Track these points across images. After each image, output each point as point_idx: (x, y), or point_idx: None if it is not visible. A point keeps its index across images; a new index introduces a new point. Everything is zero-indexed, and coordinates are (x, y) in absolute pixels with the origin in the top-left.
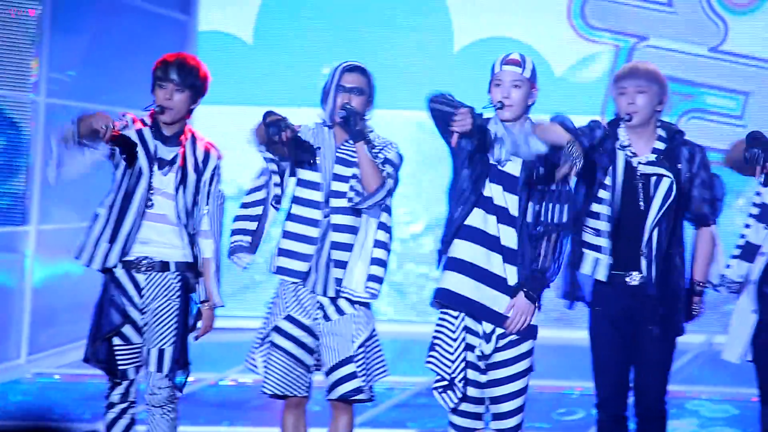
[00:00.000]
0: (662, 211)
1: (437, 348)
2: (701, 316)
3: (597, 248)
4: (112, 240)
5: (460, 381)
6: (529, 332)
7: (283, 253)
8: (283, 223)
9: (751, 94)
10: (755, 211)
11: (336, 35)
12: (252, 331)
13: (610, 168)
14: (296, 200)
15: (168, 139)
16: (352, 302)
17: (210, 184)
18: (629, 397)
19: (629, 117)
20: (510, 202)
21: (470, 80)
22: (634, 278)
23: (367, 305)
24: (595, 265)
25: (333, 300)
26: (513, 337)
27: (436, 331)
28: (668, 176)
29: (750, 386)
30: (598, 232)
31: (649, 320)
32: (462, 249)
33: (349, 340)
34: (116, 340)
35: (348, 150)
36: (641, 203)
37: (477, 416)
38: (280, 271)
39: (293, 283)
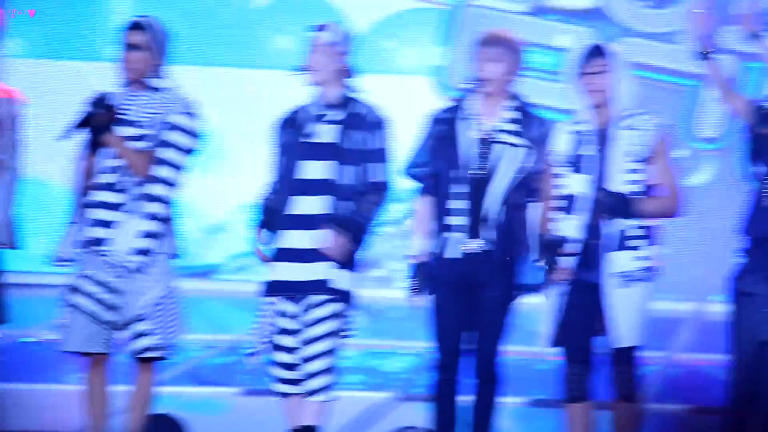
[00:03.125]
0: (510, 179)
1: (258, 318)
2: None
3: (457, 228)
4: None
5: (276, 346)
6: (340, 296)
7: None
8: None
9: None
10: (559, 203)
11: None
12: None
13: (461, 146)
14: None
15: None
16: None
17: None
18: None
19: (480, 83)
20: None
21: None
22: (473, 246)
23: (164, 262)
24: (451, 245)
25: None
26: (320, 298)
27: (261, 303)
28: (520, 144)
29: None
30: (457, 212)
31: (486, 285)
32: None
33: (141, 296)
34: None
35: (141, 114)
36: (484, 171)
37: (294, 382)
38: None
39: None
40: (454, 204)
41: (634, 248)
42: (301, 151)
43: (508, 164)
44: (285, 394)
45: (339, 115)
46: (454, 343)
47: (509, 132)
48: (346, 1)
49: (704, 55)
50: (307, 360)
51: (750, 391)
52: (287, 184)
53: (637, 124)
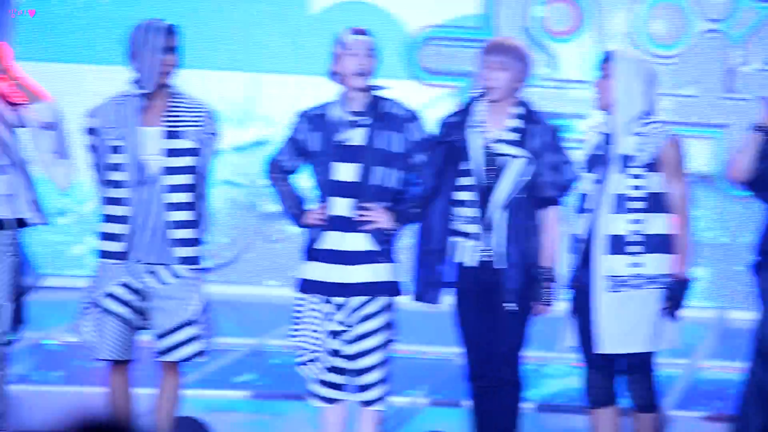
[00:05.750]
0: (511, 189)
1: (299, 323)
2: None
3: (466, 234)
4: None
5: (325, 352)
6: (389, 294)
7: (101, 236)
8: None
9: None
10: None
11: None
12: (74, 291)
13: (469, 154)
14: (109, 184)
15: None
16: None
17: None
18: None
19: (486, 91)
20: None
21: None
22: (484, 254)
23: (200, 268)
24: (464, 252)
25: (165, 262)
26: (370, 309)
27: (296, 306)
28: (520, 156)
29: None
30: (468, 220)
31: (502, 295)
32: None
33: (186, 303)
34: None
35: (173, 119)
36: (489, 180)
37: (339, 387)
38: (102, 255)
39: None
40: (462, 211)
41: (629, 254)
42: (335, 153)
43: (510, 174)
44: (329, 399)
45: (367, 118)
46: (483, 351)
47: (511, 142)
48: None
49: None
50: (362, 370)
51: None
52: (324, 186)
53: (644, 130)
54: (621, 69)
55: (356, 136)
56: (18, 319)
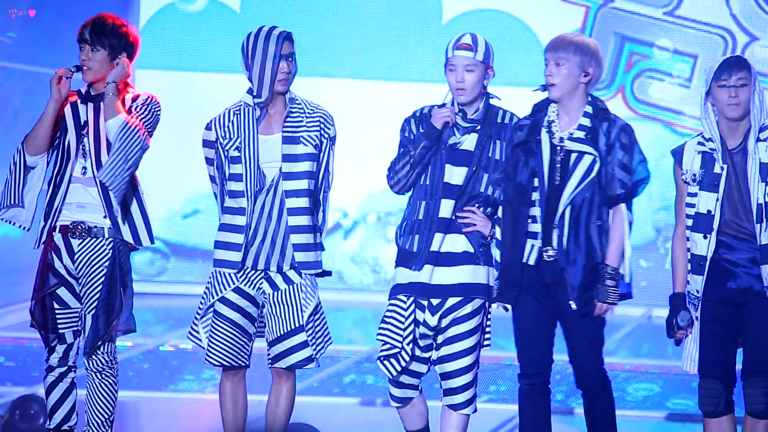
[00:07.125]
0: (579, 187)
1: (388, 320)
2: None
3: (533, 235)
4: (46, 217)
5: (407, 352)
6: (482, 296)
7: (218, 245)
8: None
9: (699, 58)
10: (689, 222)
11: (322, 5)
12: (191, 297)
13: (539, 153)
14: (228, 193)
15: (92, 101)
16: (299, 271)
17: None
18: (551, 367)
19: (543, 88)
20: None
21: None
22: (549, 253)
23: (316, 273)
24: (530, 251)
25: (280, 269)
26: (463, 312)
27: (389, 306)
28: (591, 153)
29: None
30: (534, 219)
31: (566, 295)
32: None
33: (297, 309)
34: (55, 304)
35: (292, 125)
36: (558, 178)
37: (414, 387)
38: (218, 263)
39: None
40: (532, 211)
41: None
42: (446, 156)
43: (579, 172)
44: (402, 399)
45: (481, 125)
46: (537, 348)
47: (580, 140)
48: (531, 17)
49: None
50: (451, 372)
51: None
52: (435, 188)
53: (766, 135)
54: (754, 78)
55: (468, 141)
56: (117, 328)
